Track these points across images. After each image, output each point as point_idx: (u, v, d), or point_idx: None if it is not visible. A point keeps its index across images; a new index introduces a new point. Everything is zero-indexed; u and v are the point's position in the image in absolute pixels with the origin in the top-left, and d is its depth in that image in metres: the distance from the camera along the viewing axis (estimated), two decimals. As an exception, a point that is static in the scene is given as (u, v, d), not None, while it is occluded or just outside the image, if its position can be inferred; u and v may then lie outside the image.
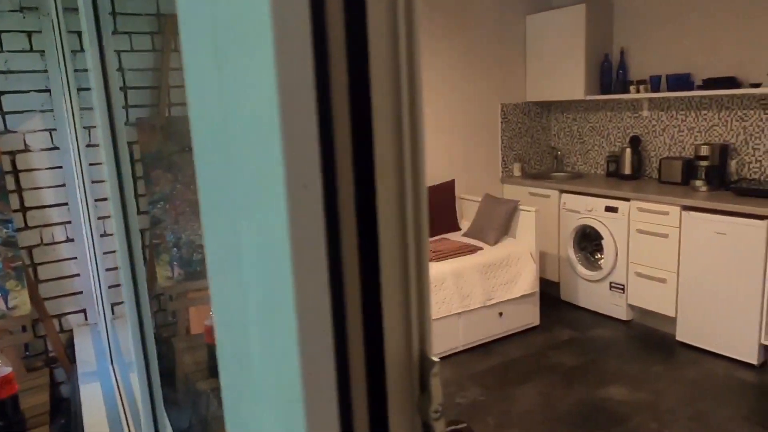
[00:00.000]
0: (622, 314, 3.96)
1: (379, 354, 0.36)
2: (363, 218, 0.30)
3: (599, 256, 4.20)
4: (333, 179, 0.28)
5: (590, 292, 4.14)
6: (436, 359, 0.41)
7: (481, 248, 3.79)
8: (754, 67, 3.53)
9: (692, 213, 3.40)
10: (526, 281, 3.79)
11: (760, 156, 3.58)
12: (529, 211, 3.84)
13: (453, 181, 4.34)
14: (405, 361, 0.39)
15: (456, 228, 4.31)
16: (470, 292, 3.59)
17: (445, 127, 4.42)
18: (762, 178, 3.60)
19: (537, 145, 4.92)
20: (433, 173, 4.42)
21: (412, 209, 0.34)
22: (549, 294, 4.56)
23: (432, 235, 4.18)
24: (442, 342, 3.53)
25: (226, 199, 0.36)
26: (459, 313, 3.57)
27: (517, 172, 4.78)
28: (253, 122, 0.30)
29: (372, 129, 0.30)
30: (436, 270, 3.48)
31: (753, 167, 3.63)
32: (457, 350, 3.62)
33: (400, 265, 0.37)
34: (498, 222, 3.91)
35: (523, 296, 3.81)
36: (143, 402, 1.59)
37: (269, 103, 0.27)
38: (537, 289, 3.85)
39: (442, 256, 3.62)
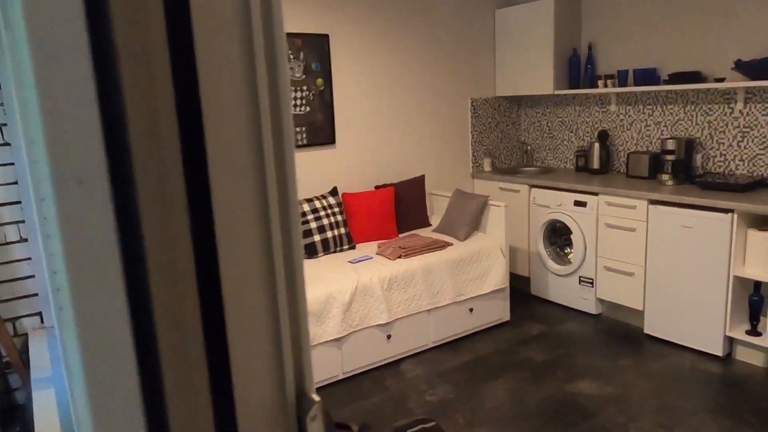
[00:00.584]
0: (592, 308, 3.97)
1: (226, 399, 0.30)
2: (197, 221, 0.24)
3: (569, 250, 4.21)
4: (128, 173, 0.22)
5: (560, 287, 4.15)
6: (316, 398, 0.35)
7: (451, 244, 3.76)
8: (719, 62, 3.56)
9: (659, 207, 3.42)
10: (497, 276, 3.77)
11: (724, 150, 3.62)
12: (498, 206, 3.83)
13: (423, 176, 4.29)
14: (272, 405, 0.32)
15: (426, 223, 4.28)
16: (440, 289, 3.56)
17: (415, 122, 4.38)
18: (726, 171, 3.64)
19: (507, 140, 4.92)
20: (403, 168, 4.38)
21: (277, 214, 0.29)
22: (519, 289, 4.56)
23: (402, 231, 4.14)
24: (412, 340, 3.49)
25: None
26: (429, 310, 3.54)
27: (487, 167, 4.76)
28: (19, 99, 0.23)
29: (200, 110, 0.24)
30: (406, 267, 3.43)
31: (717, 161, 3.67)
32: (427, 347, 3.59)
33: (258, 283, 0.31)
34: (468, 217, 3.88)
35: (493, 291, 3.80)
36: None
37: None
38: (507, 284, 3.84)
39: (411, 252, 3.57)
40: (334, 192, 3.88)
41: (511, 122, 4.92)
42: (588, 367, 3.27)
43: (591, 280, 3.92)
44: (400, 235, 4.07)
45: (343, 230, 3.78)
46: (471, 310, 3.72)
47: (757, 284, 3.14)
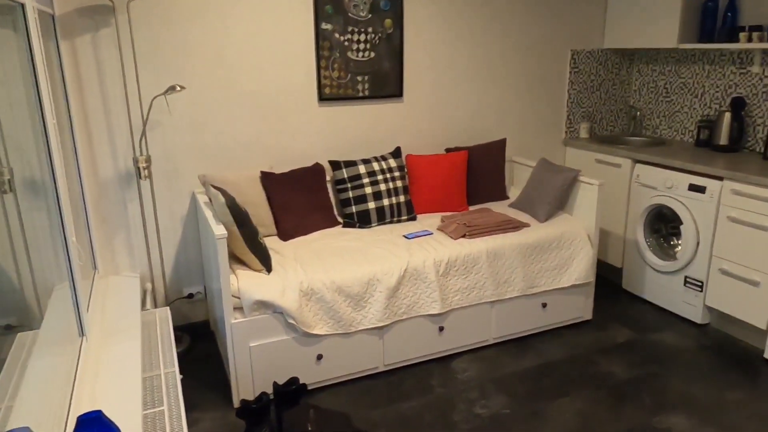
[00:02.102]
0: (697, 316, 3.26)
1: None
2: None
3: (675, 242, 3.47)
4: None
5: (659, 285, 3.45)
6: None
7: (527, 225, 3.16)
8: None
9: (807, 203, 2.62)
10: (580, 268, 3.15)
11: None
12: (591, 184, 3.15)
13: (504, 140, 3.66)
14: None
15: (503, 196, 3.68)
16: (508, 278, 3.00)
17: (499, 76, 3.72)
18: None
19: (612, 102, 4.12)
20: (481, 130, 3.76)
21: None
22: (609, 281, 3.89)
23: (473, 203, 3.58)
24: (469, 334, 2.99)
25: None
26: (492, 302, 3.00)
27: (584, 134, 4.03)
28: None
29: None
30: (469, 249, 2.90)
31: None
32: (486, 343, 3.08)
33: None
34: (552, 194, 3.24)
35: (574, 286, 3.18)
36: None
37: None
38: (592, 279, 3.20)
39: (477, 232, 3.02)
40: (396, 153, 3.37)
41: (619, 81, 4.11)
42: (684, 396, 2.63)
43: (700, 283, 3.19)
44: (470, 208, 3.52)
45: (402, 198, 3.29)
46: (544, 305, 3.14)
47: None
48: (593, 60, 3.96)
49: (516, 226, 3.12)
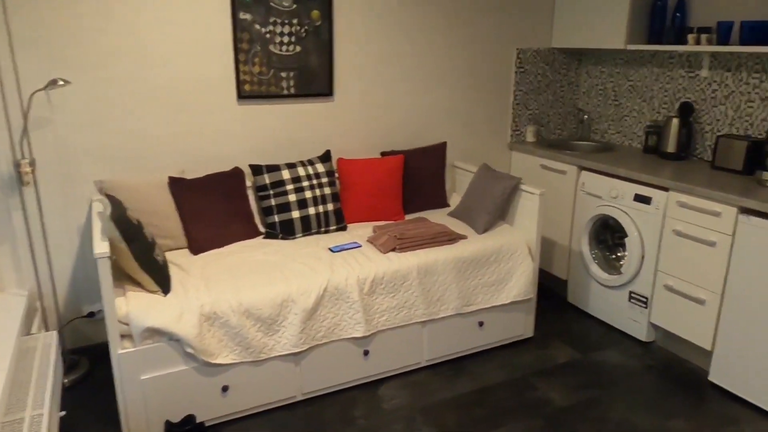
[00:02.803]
0: (642, 334, 3.08)
1: None
2: None
3: (621, 253, 3.29)
4: None
5: (604, 300, 3.27)
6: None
7: (464, 237, 2.93)
8: None
9: (753, 218, 2.45)
10: (520, 284, 2.93)
11: None
12: (532, 193, 2.94)
13: (444, 144, 3.42)
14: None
15: (443, 204, 3.44)
16: (442, 295, 2.76)
17: (440, 75, 3.47)
18: None
19: (560, 105, 3.93)
20: (420, 132, 3.51)
21: None
22: (553, 292, 3.70)
23: (411, 212, 3.33)
24: (398, 357, 2.74)
25: None
26: (423, 322, 2.76)
27: (530, 138, 3.82)
28: None
29: None
30: (398, 264, 2.65)
31: None
32: (418, 366, 2.83)
33: None
34: (491, 204, 3.02)
35: (513, 303, 2.97)
36: None
37: None
38: (533, 295, 2.99)
39: (409, 244, 2.77)
40: (326, 157, 3.09)
41: (567, 83, 3.91)
42: (624, 426, 2.44)
43: (645, 299, 3.02)
44: (407, 217, 3.26)
45: (331, 206, 3.01)
46: (481, 324, 2.91)
47: None
48: (540, 60, 3.76)
49: (452, 238, 2.88)
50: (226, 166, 3.02)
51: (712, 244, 2.64)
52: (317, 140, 3.22)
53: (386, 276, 2.61)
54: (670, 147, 3.25)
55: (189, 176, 2.89)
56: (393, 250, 2.76)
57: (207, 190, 2.81)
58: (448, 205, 3.46)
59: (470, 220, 3.10)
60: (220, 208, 2.83)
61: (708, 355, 2.79)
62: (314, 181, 2.99)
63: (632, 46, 3.27)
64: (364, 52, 3.21)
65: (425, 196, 3.37)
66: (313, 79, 3.10)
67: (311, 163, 3.04)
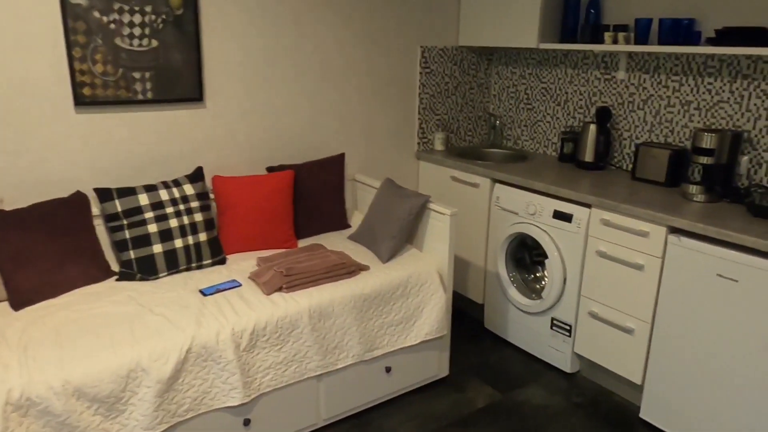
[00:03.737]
0: (566, 365, 2.78)
1: None
2: None
3: (541, 273, 2.99)
4: None
5: (525, 327, 2.94)
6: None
7: (366, 267, 2.48)
8: (798, 14, 2.27)
9: (685, 239, 2.18)
10: (431, 320, 2.53)
11: (787, 153, 2.38)
12: (443, 213, 2.54)
13: (342, 155, 2.97)
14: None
15: (343, 225, 2.98)
16: (341, 342, 2.30)
17: (337, 76, 3.01)
18: (785, 186, 2.41)
19: (470, 109, 3.58)
20: (313, 143, 3.03)
21: None
22: (470, 317, 3.34)
23: (305, 236, 2.84)
24: (289, 419, 2.25)
25: None
26: (320, 375, 2.29)
27: (439, 146, 3.44)
28: None
29: None
30: (287, 307, 2.16)
31: (773, 169, 2.43)
32: (316, 427, 2.36)
33: None
34: (396, 226, 2.59)
35: (424, 342, 2.56)
36: None
37: None
38: (447, 330, 2.60)
39: (300, 281, 2.29)
40: (197, 176, 2.54)
41: (477, 84, 3.57)
42: (554, 486, 2.09)
43: (568, 327, 2.72)
44: (300, 243, 2.78)
45: (204, 236, 2.47)
46: (388, 369, 2.48)
47: (833, 380, 1.96)
48: (447, 59, 3.39)
49: (351, 270, 2.42)
50: (64, 192, 2.39)
51: (639, 267, 2.36)
52: (185, 155, 2.65)
53: (270, 325, 2.11)
54: (588, 156, 2.97)
55: (8, 207, 2.25)
56: (279, 290, 2.27)
57: (35, 222, 2.18)
58: (349, 226, 3.00)
59: (373, 245, 2.66)
60: (54, 245, 2.21)
61: (638, 389, 2.52)
62: (181, 206, 2.43)
63: (544, 45, 2.96)
64: (242, 47, 2.68)
65: (322, 218, 2.90)
66: (177, 81, 2.53)
67: (177, 184, 2.48)
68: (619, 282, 2.45)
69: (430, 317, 2.53)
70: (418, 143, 3.41)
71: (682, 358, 2.25)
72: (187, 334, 1.96)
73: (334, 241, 2.79)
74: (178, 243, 2.40)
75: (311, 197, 2.85)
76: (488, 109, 3.67)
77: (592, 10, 2.93)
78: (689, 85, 2.66)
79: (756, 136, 2.46)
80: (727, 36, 2.33)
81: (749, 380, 2.04)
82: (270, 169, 2.84)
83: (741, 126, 2.50)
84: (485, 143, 3.68)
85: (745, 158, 2.46)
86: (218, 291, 2.25)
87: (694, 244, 2.15)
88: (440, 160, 3.25)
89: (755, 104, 2.44)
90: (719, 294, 2.10)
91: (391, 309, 2.43)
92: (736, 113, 2.51)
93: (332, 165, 2.93)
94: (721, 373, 2.12)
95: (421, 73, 3.29)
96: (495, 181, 2.97)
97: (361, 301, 2.33)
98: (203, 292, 2.23)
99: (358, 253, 2.64)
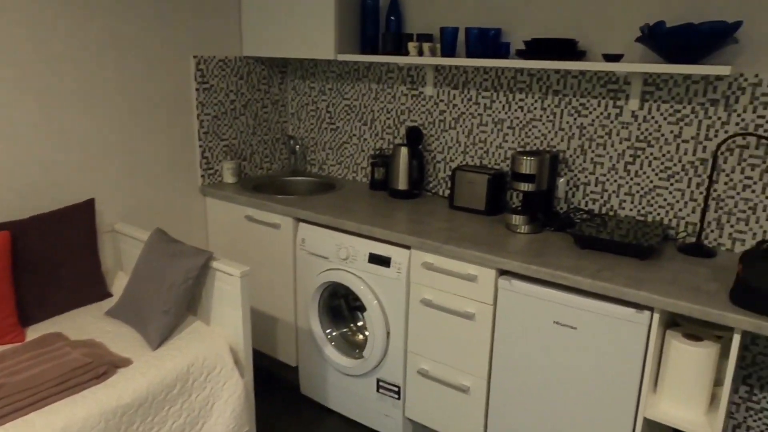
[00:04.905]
0: (397, 431, 2.37)
1: None
2: None
3: (363, 322, 2.55)
4: None
5: (348, 391, 2.47)
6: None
7: (128, 361, 1.79)
8: (608, 29, 2.11)
9: (516, 282, 1.88)
10: (225, 419, 1.92)
11: (603, 175, 2.23)
12: (231, 275, 1.95)
13: (91, 201, 2.21)
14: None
15: (102, 294, 2.22)
16: (88, 482, 1.58)
17: (85, 94, 2.23)
18: (604, 211, 2.26)
19: (264, 131, 3.03)
20: (44, 188, 2.21)
21: None
22: (283, 383, 2.78)
23: (40, 320, 2.03)
24: None
25: None
26: None
27: (229, 177, 2.83)
28: None
29: None
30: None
31: (592, 192, 2.27)
32: None
33: None
34: (170, 296, 1.93)
35: (219, 447, 1.94)
36: None
37: None
38: (250, 425, 2.01)
39: (14, 406, 1.52)
40: None
41: (270, 101, 3.03)
42: None
43: (397, 389, 2.30)
44: (33, 332, 1.96)
45: None
46: (170, 498, 1.81)
47: None
48: (230, 72, 2.79)
49: (102, 372, 1.71)
50: None
51: (470, 316, 2.02)
52: None
53: (-49, 497, 1.33)
54: (401, 183, 2.60)
55: None
56: (-24, 427, 1.48)
57: None
58: (110, 295, 2.25)
59: (140, 324, 1.97)
60: None
61: (479, 454, 2.18)
62: None
63: (343, 56, 2.52)
64: None
65: (67, 289, 2.11)
66: None
67: None
68: (450, 334, 2.09)
69: (224, 414, 1.91)
70: (203, 176, 2.76)
71: (524, 415, 1.95)
72: None
73: (86, 322, 2.03)
74: None
75: (46, 263, 2.05)
76: (287, 131, 3.15)
77: (393, 17, 2.56)
78: (500, 102, 2.42)
79: (571, 156, 2.28)
80: (536, 48, 2.10)
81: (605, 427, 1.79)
82: (-27, 232, 1.97)
83: (556, 146, 2.31)
84: (286, 171, 3.15)
85: (562, 180, 2.27)
86: None
87: (528, 288, 1.86)
88: (231, 196, 2.64)
89: (567, 122, 2.26)
90: (558, 343, 1.83)
91: (167, 417, 1.77)
92: (549, 132, 2.32)
93: (76, 215, 2.16)
94: (566, 430, 1.86)
95: (198, 89, 2.65)
96: (299, 220, 2.45)
97: (117, 417, 1.64)
98: None
99: (120, 338, 1.93)
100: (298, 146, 3.07)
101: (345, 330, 2.52)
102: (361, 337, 2.52)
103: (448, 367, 2.12)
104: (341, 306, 2.54)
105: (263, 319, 2.71)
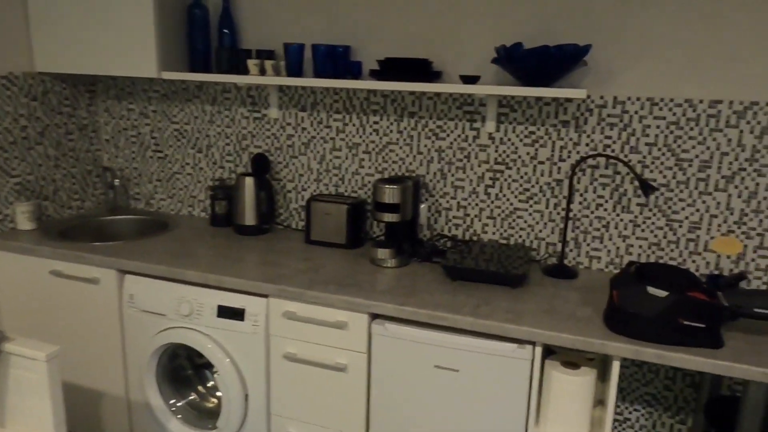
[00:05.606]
0: (264, 508, 2.04)
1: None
2: None
3: (214, 382, 2.18)
4: None
5: (198, 468, 2.08)
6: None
7: None
8: (461, 48, 2.03)
9: (391, 326, 1.69)
10: None
11: (464, 199, 2.15)
12: (33, 359, 1.48)
13: None
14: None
15: None
16: None
17: None
18: (467, 236, 2.18)
19: (71, 163, 2.49)
20: None
21: None
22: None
23: None
24: None
25: None
26: None
27: (25, 224, 2.26)
28: None
29: None
30: None
31: (455, 218, 2.18)
32: None
33: None
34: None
35: None
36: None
37: None
38: None
39: None
40: None
41: (77, 127, 2.51)
42: None
43: (260, 459, 1.98)
44: None
45: None
46: None
47: (560, 457, 1.73)
48: (19, 92, 2.24)
49: None
50: None
51: (342, 368, 1.78)
52: None
53: None
54: (248, 218, 2.28)
55: None
56: None
57: None
58: None
59: None
60: None
61: None
62: None
63: (169, 74, 2.15)
64: None
65: None
66: None
67: None
68: (320, 390, 1.83)
69: None
70: (-12, 223, 2.17)
71: (409, 473, 1.77)
72: None
73: None
74: None
75: None
76: (101, 161, 2.64)
77: (226, 30, 2.25)
78: (354, 125, 2.23)
79: (431, 181, 2.17)
80: (390, 68, 1.95)
81: (488, 488, 1.67)
82: None
83: (415, 170, 2.19)
84: (103, 209, 2.64)
85: (424, 206, 2.14)
86: None
87: (404, 331, 1.68)
88: (29, 247, 2.10)
89: (426, 145, 2.15)
90: (441, 388, 1.68)
91: None
92: (407, 156, 2.19)
93: None
94: (457, 485, 1.71)
95: (-27, 114, 2.07)
96: (124, 272, 2.01)
97: None
98: None
99: None
100: (117, 179, 2.58)
101: (192, 397, 2.13)
102: (214, 401, 2.15)
103: (320, 428, 1.86)
104: (184, 367, 2.15)
105: (83, 397, 2.19)
